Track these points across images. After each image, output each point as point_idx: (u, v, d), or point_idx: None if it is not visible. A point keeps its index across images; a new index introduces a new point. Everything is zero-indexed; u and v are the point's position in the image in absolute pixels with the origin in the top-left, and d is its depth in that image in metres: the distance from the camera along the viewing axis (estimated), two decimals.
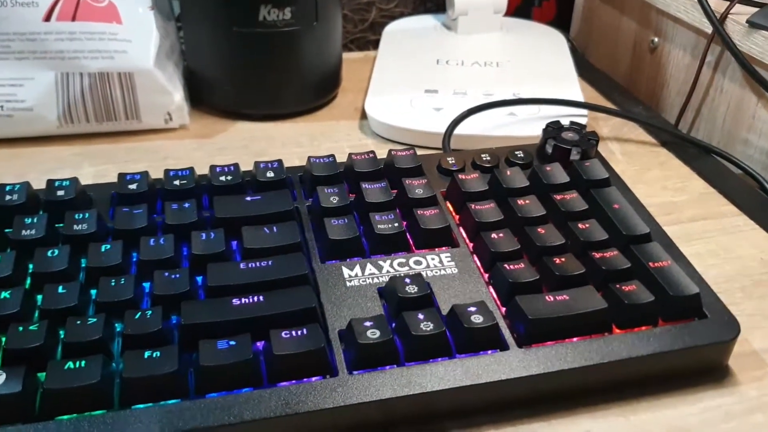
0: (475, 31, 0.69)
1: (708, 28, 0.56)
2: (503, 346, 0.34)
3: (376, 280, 0.37)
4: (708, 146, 0.56)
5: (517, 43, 0.69)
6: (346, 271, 0.38)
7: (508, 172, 0.43)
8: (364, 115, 0.59)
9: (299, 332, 0.33)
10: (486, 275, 0.38)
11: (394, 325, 0.34)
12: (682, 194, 0.51)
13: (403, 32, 0.71)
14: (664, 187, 0.52)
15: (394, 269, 0.38)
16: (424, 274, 0.38)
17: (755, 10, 0.54)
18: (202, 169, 0.44)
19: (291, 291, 0.35)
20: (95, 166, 0.52)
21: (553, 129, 0.47)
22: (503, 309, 0.36)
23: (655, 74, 0.65)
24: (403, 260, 0.38)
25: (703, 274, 0.42)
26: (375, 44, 0.71)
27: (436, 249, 0.39)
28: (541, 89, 0.59)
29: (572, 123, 0.47)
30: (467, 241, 0.40)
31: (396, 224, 0.39)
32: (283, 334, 0.33)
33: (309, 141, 0.57)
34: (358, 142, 0.57)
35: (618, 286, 0.36)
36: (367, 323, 0.33)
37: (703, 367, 0.36)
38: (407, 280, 0.36)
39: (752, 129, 0.55)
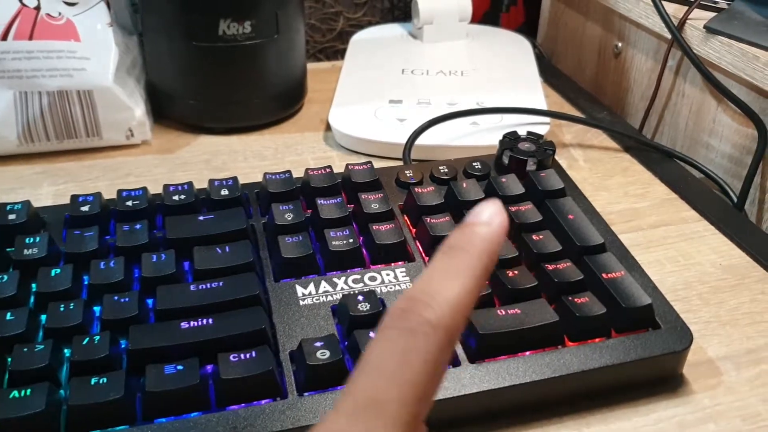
0: (440, 40, 0.69)
1: (668, 34, 0.56)
2: (454, 362, 0.34)
3: (330, 298, 0.37)
4: (670, 151, 0.56)
5: (483, 51, 0.69)
6: (299, 290, 0.37)
7: (464, 185, 0.43)
8: (329, 127, 0.59)
9: (248, 355, 0.33)
10: None
11: (346, 344, 0.34)
12: (643, 200, 0.51)
13: (370, 42, 0.71)
14: (626, 194, 0.52)
15: (349, 286, 0.38)
16: (378, 290, 0.38)
17: (713, 15, 0.54)
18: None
19: (241, 312, 0.35)
20: (56, 185, 0.52)
21: (510, 140, 0.47)
22: None
23: (620, 79, 0.65)
24: (358, 276, 0.38)
25: (661, 282, 0.42)
26: (343, 53, 0.71)
27: (393, 264, 0.39)
28: (505, 97, 0.59)
29: (529, 133, 0.47)
30: (423, 255, 0.40)
31: (350, 240, 0.39)
32: (231, 358, 0.32)
33: (273, 154, 0.56)
34: (322, 155, 0.57)
35: (570, 298, 0.36)
36: (318, 343, 0.33)
37: (657, 377, 0.36)
38: (360, 298, 0.36)
39: (713, 133, 0.55)
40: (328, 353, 0.33)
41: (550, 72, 0.70)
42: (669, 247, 0.47)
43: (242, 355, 0.33)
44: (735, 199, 0.53)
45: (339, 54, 0.77)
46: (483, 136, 0.55)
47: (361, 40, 0.71)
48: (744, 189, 0.52)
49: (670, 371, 0.36)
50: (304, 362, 0.32)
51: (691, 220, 0.49)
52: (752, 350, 0.39)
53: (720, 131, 0.55)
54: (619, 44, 0.65)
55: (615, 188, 0.53)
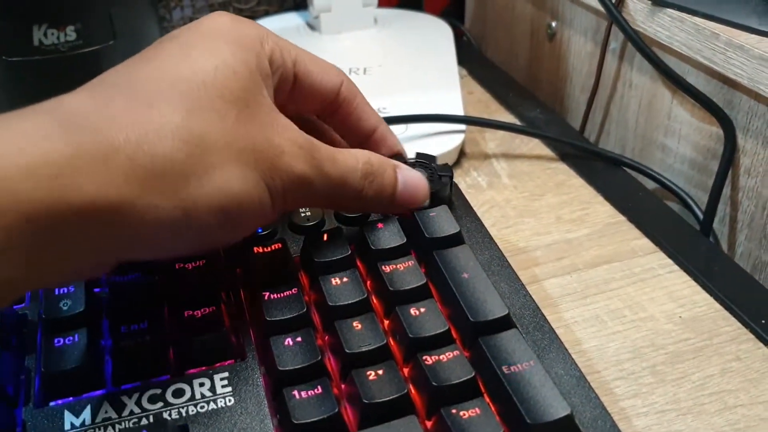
0: (342, 29, 0.57)
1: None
2: None
3: (110, 431, 0.26)
4: (617, 158, 0.45)
5: (393, 42, 0.57)
6: (69, 419, 0.26)
7: (325, 237, 0.32)
8: None
9: None
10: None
11: None
12: (580, 227, 0.40)
13: None
14: (558, 219, 0.41)
15: (142, 408, 0.26)
16: (183, 411, 0.26)
17: None
18: None
19: None
20: None
21: None
22: None
23: (556, 67, 0.54)
24: (159, 391, 0.27)
25: (600, 351, 0.31)
26: None
27: (214, 366, 0.28)
28: (414, 100, 0.48)
29: (419, 155, 0.35)
30: (257, 349, 0.29)
31: (147, 337, 0.28)
32: None
33: None
34: None
35: (454, 411, 0.25)
36: None
37: None
38: None
39: (669, 132, 0.44)
40: None
41: (477, 62, 0.58)
42: (612, 294, 0.35)
43: None
44: (700, 216, 0.42)
45: None
46: None
47: None
48: (710, 204, 0.40)
49: None
50: None
51: (642, 251, 0.38)
52: None
53: (677, 129, 0.43)
54: (554, 24, 0.53)
55: (544, 212, 0.41)
